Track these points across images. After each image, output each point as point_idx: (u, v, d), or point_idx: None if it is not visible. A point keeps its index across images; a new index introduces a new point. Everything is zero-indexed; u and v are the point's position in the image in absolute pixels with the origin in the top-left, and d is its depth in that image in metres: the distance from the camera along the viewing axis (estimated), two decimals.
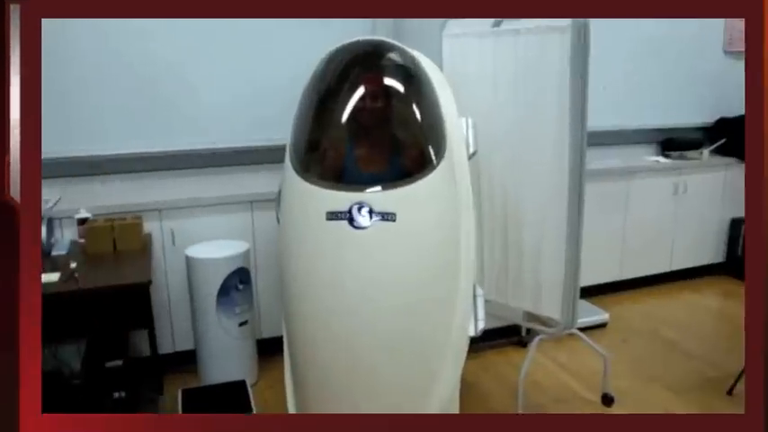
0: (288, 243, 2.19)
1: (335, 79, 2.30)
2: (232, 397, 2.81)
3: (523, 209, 2.79)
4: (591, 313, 3.83)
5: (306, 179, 2.13)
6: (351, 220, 2.03)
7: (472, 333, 2.20)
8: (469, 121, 2.31)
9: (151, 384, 2.83)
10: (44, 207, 2.98)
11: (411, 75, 2.29)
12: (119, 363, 2.70)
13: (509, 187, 2.83)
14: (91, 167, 3.24)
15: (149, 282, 2.46)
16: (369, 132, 2.31)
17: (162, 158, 3.35)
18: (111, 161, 3.26)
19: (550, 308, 2.76)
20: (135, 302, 2.51)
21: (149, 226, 3.10)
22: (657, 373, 3.26)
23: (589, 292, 3.94)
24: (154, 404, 2.80)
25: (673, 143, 4.64)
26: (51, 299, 2.31)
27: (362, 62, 2.33)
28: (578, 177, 2.56)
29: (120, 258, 2.76)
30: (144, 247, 2.87)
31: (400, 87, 2.33)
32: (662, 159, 4.50)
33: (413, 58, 2.29)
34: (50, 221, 2.89)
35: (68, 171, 3.20)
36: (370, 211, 2.02)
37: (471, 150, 2.30)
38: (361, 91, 2.26)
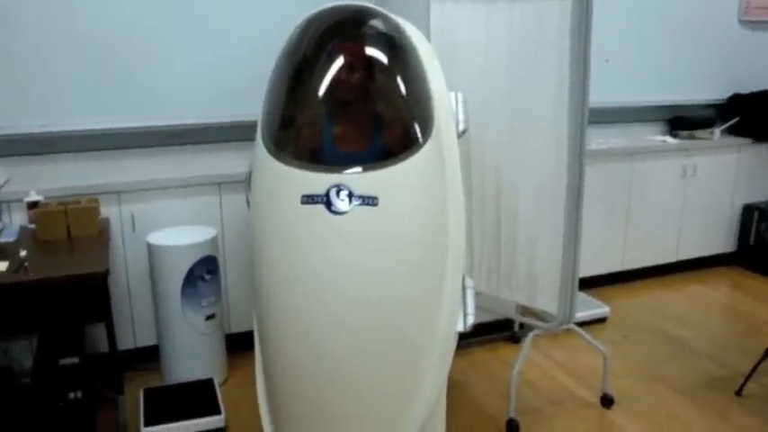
0: (259, 229, 2.17)
1: (311, 49, 2.28)
2: (199, 397, 2.81)
3: (517, 192, 2.79)
4: (590, 306, 3.86)
5: (279, 159, 2.11)
6: (328, 205, 2.01)
7: (461, 328, 2.20)
8: (459, 96, 2.29)
9: (110, 383, 2.81)
10: None
11: (395, 44, 2.26)
12: (74, 360, 2.67)
13: (502, 168, 2.83)
14: (42, 145, 3.21)
15: (107, 271, 2.44)
16: (348, 108, 2.30)
17: (121, 136, 3.33)
18: (64, 138, 3.23)
19: (546, 301, 2.77)
20: (91, 294, 2.49)
21: (107, 210, 3.06)
22: (661, 373, 3.30)
23: (588, 284, 3.98)
24: (113, 405, 2.79)
25: (681, 122, 4.67)
26: None
27: (341, 30, 2.30)
28: (578, 157, 2.56)
29: (75, 246, 2.73)
30: (101, 233, 2.84)
31: (383, 58, 2.32)
32: (669, 139, 4.52)
33: (397, 26, 2.27)
34: None
35: (17, 149, 3.18)
36: (350, 195, 2.01)
37: (461, 128, 2.29)
38: (339, 62, 2.24)
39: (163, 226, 3.14)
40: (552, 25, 2.53)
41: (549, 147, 2.64)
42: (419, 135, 2.12)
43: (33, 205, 2.88)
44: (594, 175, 3.88)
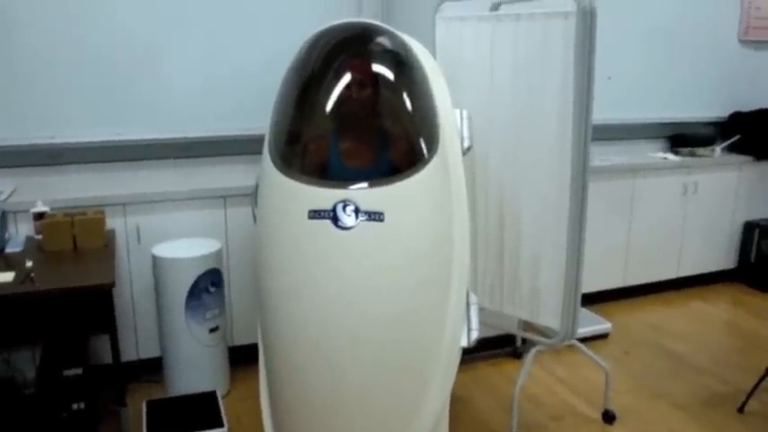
0: (265, 243, 2.18)
1: (319, 65, 2.30)
2: (201, 409, 2.80)
3: (521, 208, 2.80)
4: (592, 322, 3.86)
5: (286, 174, 2.12)
6: (335, 220, 2.03)
7: (464, 344, 2.21)
8: (464, 113, 2.31)
9: (113, 395, 2.81)
10: None
11: (401, 61, 2.29)
12: (78, 371, 2.67)
13: (506, 185, 2.84)
14: (50, 157, 3.22)
15: (112, 283, 2.45)
16: (355, 124, 2.32)
17: (127, 148, 3.34)
18: (71, 150, 3.24)
19: (548, 317, 2.78)
20: (96, 306, 2.50)
21: (113, 222, 3.07)
22: (663, 389, 3.29)
23: (590, 300, 3.99)
24: (116, 417, 2.78)
25: (682, 139, 4.69)
26: (4, 301, 2.32)
27: (349, 47, 2.33)
28: (581, 174, 2.58)
29: (81, 257, 2.73)
30: (107, 244, 2.85)
31: (389, 75, 2.33)
32: (671, 156, 4.54)
33: (403, 44, 2.29)
34: (4, 215, 2.86)
35: (23, 160, 3.19)
36: (356, 210, 2.02)
37: (466, 145, 2.31)
38: (347, 78, 2.26)
39: (168, 238, 3.14)
40: (557, 43, 2.55)
41: (553, 162, 2.65)
42: (425, 151, 2.14)
43: (40, 216, 2.89)
44: (596, 192, 3.88)
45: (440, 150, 2.15)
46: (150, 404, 2.83)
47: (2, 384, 2.97)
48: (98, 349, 3.03)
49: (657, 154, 4.61)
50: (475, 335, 2.23)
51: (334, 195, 2.03)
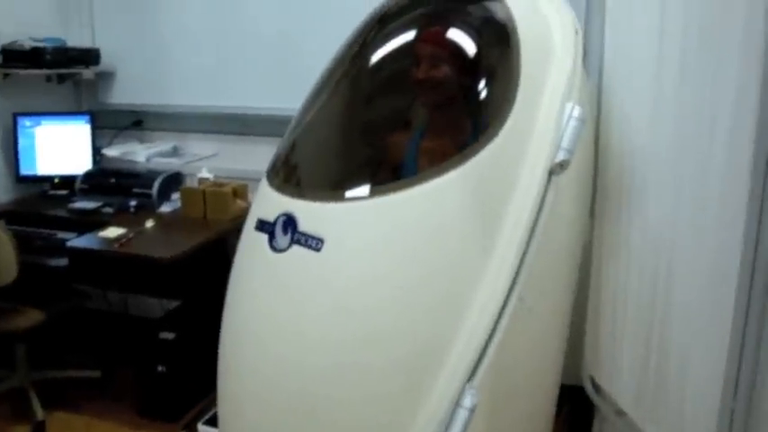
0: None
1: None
2: None
3: (674, 277, 1.71)
4: None
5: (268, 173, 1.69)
6: (271, 237, 1.51)
7: None
8: (575, 110, 1.54)
9: None
10: (182, 161, 3.09)
11: (475, 35, 1.65)
12: (170, 335, 2.62)
13: (665, 243, 1.76)
14: (243, 126, 3.21)
15: (171, 258, 2.33)
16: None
17: None
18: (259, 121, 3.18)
19: None
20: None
21: None
22: None
23: None
24: None
25: None
26: (95, 255, 2.47)
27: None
28: (752, 249, 1.42)
29: (196, 227, 2.68)
30: (235, 218, 2.70)
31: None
32: None
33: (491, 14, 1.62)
34: (177, 176, 2.98)
35: (226, 128, 3.23)
36: (293, 229, 1.47)
37: (559, 158, 1.51)
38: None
39: None
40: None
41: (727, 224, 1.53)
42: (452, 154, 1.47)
43: (202, 183, 2.91)
44: None
45: (481, 158, 1.44)
46: None
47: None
48: None
49: None
50: None
51: (281, 205, 1.52)
